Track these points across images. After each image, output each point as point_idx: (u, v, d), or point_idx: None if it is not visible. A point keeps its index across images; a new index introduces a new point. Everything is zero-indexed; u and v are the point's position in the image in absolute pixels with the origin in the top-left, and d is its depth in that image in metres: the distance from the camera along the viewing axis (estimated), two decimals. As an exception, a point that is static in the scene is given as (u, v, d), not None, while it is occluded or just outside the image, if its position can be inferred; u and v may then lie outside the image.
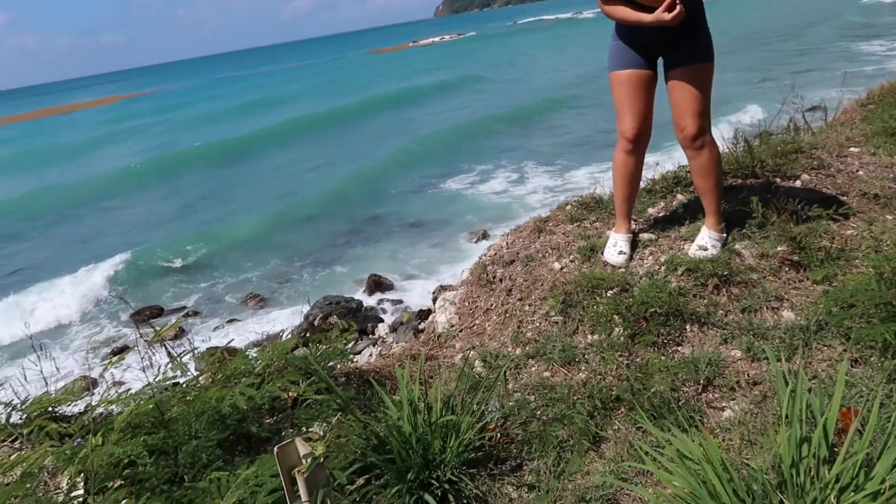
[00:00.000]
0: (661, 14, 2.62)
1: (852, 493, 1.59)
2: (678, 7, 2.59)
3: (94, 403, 2.35)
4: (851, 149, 4.32)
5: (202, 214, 15.61)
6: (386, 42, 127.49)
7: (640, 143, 3.06)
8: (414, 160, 17.29)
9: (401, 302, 9.27)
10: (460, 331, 3.23)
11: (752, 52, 26.29)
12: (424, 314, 8.07)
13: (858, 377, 2.37)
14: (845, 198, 3.47)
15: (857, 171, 3.82)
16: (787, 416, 1.78)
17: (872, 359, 2.47)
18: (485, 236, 10.83)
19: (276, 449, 1.46)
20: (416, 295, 9.46)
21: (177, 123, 36.32)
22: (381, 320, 8.74)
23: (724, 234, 3.11)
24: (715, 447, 1.75)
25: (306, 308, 8.91)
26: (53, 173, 24.70)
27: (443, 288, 8.72)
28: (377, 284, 9.87)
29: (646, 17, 2.69)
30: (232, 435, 2.07)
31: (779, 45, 27.64)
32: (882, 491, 1.55)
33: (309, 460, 1.43)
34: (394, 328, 8.29)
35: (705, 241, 3.06)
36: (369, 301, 9.41)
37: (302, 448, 1.45)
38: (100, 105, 67.96)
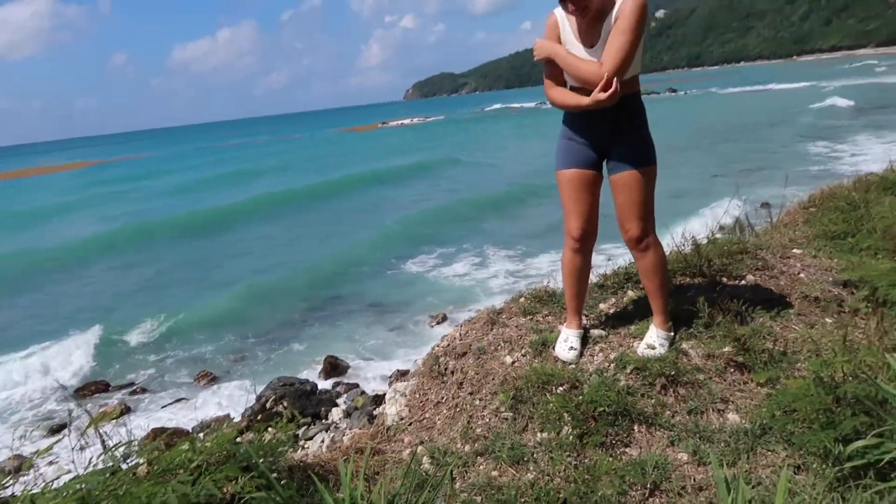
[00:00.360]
0: (597, 94, 2.70)
1: None
2: (614, 86, 2.71)
3: (16, 494, 2.23)
4: (794, 250, 4.50)
5: (165, 287, 15.32)
6: (357, 121, 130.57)
7: (586, 242, 3.12)
8: (381, 241, 17.40)
9: (356, 386, 9.10)
10: (409, 424, 3.17)
11: (707, 150, 27.56)
12: (379, 399, 7.93)
13: (801, 485, 2.38)
14: (788, 300, 3.59)
15: (799, 273, 3.97)
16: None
17: (814, 465, 2.50)
18: (444, 319, 10.81)
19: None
20: (371, 379, 9.33)
21: (147, 192, 36.14)
22: (336, 404, 8.53)
23: (672, 333, 3.17)
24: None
25: (260, 388, 8.68)
26: (13, 240, 24.16)
27: (401, 373, 8.64)
28: (333, 367, 9.71)
29: (584, 100, 2.78)
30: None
31: (733, 144, 29.03)
32: None
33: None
34: (348, 413, 8.09)
35: (653, 339, 3.10)
36: (325, 384, 9.22)
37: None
38: (68, 170, 67.54)
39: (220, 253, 18.92)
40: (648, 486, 2.47)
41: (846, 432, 2.42)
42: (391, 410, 3.27)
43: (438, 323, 10.72)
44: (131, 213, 27.39)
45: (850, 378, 2.63)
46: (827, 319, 3.46)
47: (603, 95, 2.68)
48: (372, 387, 9.04)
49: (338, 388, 9.13)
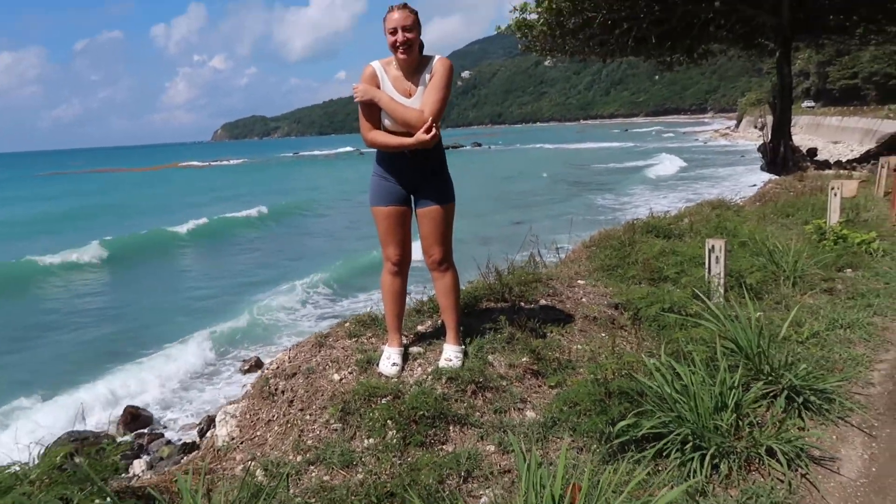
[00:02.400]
0: (421, 135, 3.19)
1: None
2: (434, 130, 3.20)
3: None
4: (579, 281, 5.28)
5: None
6: (156, 161, 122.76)
7: (403, 266, 3.57)
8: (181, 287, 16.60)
9: (161, 436, 8.60)
10: (241, 443, 3.29)
11: (506, 200, 30.02)
12: (188, 447, 7.63)
13: (582, 461, 2.91)
14: (572, 319, 4.25)
15: (582, 298, 4.70)
16: (525, 489, 2.19)
17: (593, 446, 3.05)
18: (257, 365, 10.47)
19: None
20: (178, 429, 8.89)
21: None
22: (138, 456, 8.00)
23: (463, 347, 3.63)
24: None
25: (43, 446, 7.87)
26: None
27: (210, 419, 8.31)
28: (134, 417, 9.07)
29: (408, 140, 3.25)
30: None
31: (530, 196, 31.89)
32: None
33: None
34: (151, 465, 7.61)
35: (450, 354, 3.55)
36: (125, 437, 8.58)
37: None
38: None
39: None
40: (462, 473, 2.86)
41: (614, 416, 3.01)
42: (221, 432, 3.36)
43: (250, 369, 10.41)
44: None
45: (618, 376, 3.26)
46: (602, 334, 4.16)
47: (426, 136, 3.15)
48: (179, 436, 8.62)
49: (140, 441, 8.56)
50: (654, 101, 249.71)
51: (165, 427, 9.05)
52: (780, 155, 16.10)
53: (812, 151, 18.42)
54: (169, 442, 8.44)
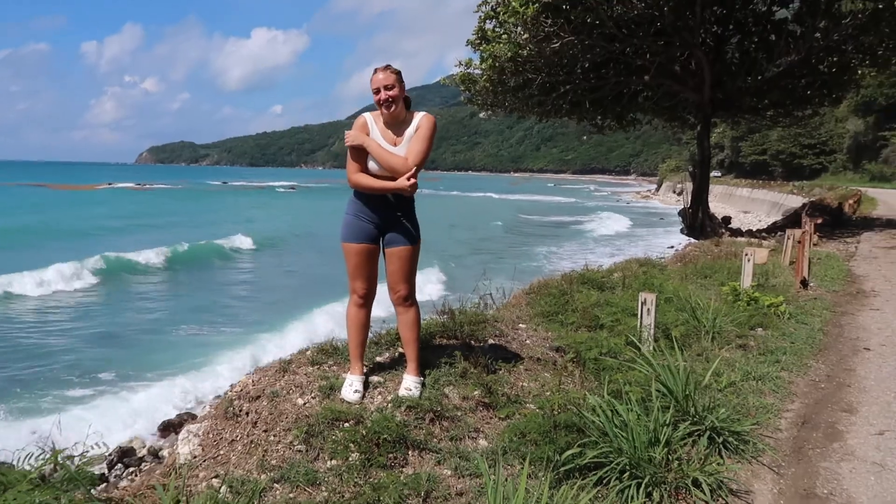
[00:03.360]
0: (402, 181, 3.53)
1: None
2: (413, 180, 3.55)
3: None
4: (521, 325, 5.62)
5: None
6: (78, 179, 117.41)
7: (368, 299, 3.84)
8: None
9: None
10: (203, 461, 3.39)
11: (467, 245, 30.75)
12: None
13: (532, 486, 3.17)
14: (519, 358, 4.56)
15: (526, 340, 5.04)
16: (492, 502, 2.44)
17: (540, 473, 3.33)
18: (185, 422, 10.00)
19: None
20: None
21: None
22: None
23: (422, 378, 3.89)
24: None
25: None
26: None
27: (190, 416, 8.12)
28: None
29: (390, 184, 3.57)
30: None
31: (489, 243, 32.78)
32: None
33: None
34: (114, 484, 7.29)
35: (409, 384, 3.80)
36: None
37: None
38: None
39: None
40: (422, 494, 3.07)
41: (561, 445, 3.31)
42: (184, 450, 3.45)
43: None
44: None
45: (563, 410, 3.58)
46: (546, 374, 4.48)
47: (407, 184, 3.47)
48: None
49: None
50: (582, 159, 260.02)
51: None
52: (699, 220, 17.27)
53: (727, 219, 19.83)
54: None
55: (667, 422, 3.49)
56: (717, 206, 45.77)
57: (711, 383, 4.66)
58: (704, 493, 3.23)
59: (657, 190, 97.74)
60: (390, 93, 3.56)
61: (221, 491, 3.11)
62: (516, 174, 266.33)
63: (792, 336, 6.53)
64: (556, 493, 2.90)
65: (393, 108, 3.56)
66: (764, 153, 75.26)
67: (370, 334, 4.37)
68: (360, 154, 3.61)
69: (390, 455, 3.31)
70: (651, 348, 4.98)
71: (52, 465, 2.41)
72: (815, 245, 13.43)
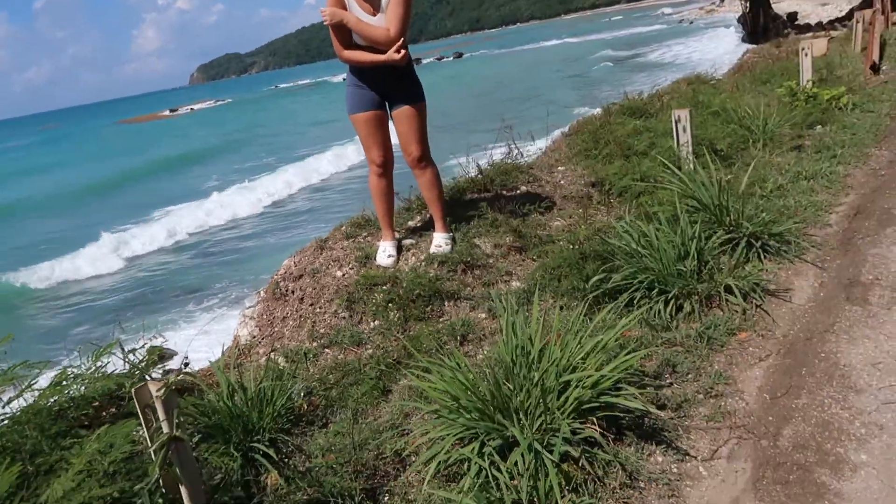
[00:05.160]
0: (391, 54, 3.47)
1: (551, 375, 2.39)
2: (403, 51, 3.48)
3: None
4: (559, 167, 5.56)
5: None
6: (138, 111, 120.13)
7: (386, 167, 3.86)
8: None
9: (188, 364, 9.11)
10: (262, 339, 3.69)
11: (493, 106, 29.87)
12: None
13: (563, 316, 3.29)
14: (552, 200, 4.56)
15: (560, 181, 5.00)
16: (505, 332, 2.57)
17: (573, 304, 3.43)
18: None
19: (133, 390, 1.86)
20: (204, 361, 9.39)
21: None
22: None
23: (452, 233, 3.97)
24: (462, 357, 2.47)
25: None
26: None
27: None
28: (160, 357, 9.57)
29: (380, 57, 3.51)
30: (72, 427, 2.36)
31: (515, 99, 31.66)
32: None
33: (162, 389, 1.85)
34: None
35: (439, 241, 3.90)
36: (154, 375, 9.10)
37: (153, 387, 1.87)
38: None
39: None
40: (458, 337, 3.25)
41: (588, 274, 3.37)
42: (243, 332, 3.76)
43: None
44: None
45: (590, 240, 3.61)
46: (580, 210, 4.48)
47: (397, 56, 3.40)
48: (200, 367, 9.12)
49: (168, 377, 9.08)
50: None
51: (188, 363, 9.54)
52: (760, 24, 15.95)
53: (792, 16, 18.19)
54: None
55: (695, 234, 3.45)
56: (791, 3, 41.84)
57: (755, 191, 4.52)
58: (737, 297, 3.25)
59: (721, 2, 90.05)
60: None
61: (279, 362, 3.41)
62: (567, 16, 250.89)
63: (854, 128, 6.14)
64: (575, 314, 3.00)
65: None
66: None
67: (400, 201, 4.46)
68: (342, 30, 3.52)
69: (427, 308, 3.49)
70: (691, 167, 4.84)
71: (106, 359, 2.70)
72: (894, 24, 12.22)
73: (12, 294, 13.33)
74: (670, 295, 3.22)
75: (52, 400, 2.51)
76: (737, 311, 3.20)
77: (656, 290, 3.28)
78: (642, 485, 2.02)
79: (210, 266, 13.43)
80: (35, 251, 16.82)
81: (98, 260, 14.37)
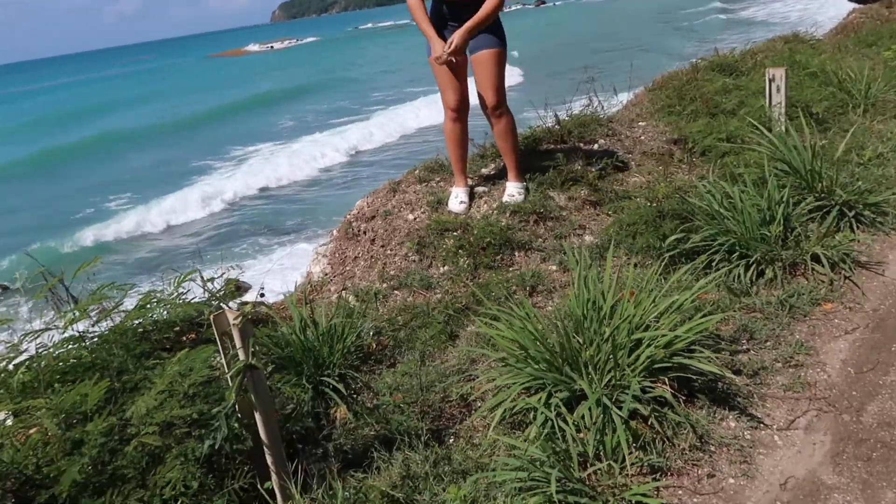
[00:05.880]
0: (437, 51, 3.55)
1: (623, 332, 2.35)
2: (447, 56, 3.52)
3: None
4: (640, 123, 5.36)
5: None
6: (224, 46, 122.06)
7: (462, 112, 3.79)
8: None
9: (262, 304, 9.41)
10: (333, 277, 3.77)
11: (574, 57, 28.93)
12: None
13: (637, 274, 3.21)
14: (631, 155, 4.42)
15: (641, 136, 4.83)
16: (577, 286, 2.53)
17: (648, 262, 3.34)
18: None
19: (211, 317, 1.93)
20: (278, 293, 9.69)
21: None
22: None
23: (525, 183, 3.90)
24: (531, 308, 2.45)
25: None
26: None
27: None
28: (236, 289, 9.92)
29: (433, 41, 3.58)
30: (154, 349, 2.48)
31: (612, 46, 30.58)
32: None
33: (239, 318, 1.91)
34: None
35: (512, 190, 3.83)
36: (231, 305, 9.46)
37: (230, 315, 1.94)
38: None
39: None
40: (528, 288, 3.23)
41: (666, 232, 3.27)
42: (316, 269, 3.84)
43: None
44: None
45: (670, 198, 3.48)
46: (660, 167, 4.32)
47: (442, 57, 3.52)
48: (274, 301, 9.43)
49: (244, 306, 9.42)
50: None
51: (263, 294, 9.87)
52: (870, -20, 14.73)
53: (907, -27, 16.70)
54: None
55: (783, 199, 3.29)
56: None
57: (851, 157, 4.25)
58: (825, 267, 3.09)
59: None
60: None
61: (350, 300, 3.47)
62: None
63: (968, 94, 5.66)
64: (651, 272, 2.92)
65: None
66: None
67: (475, 147, 4.41)
68: None
69: (497, 257, 3.47)
70: (782, 129, 4.59)
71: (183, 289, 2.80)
72: None
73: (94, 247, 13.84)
74: (752, 260, 3.09)
75: (136, 322, 2.64)
76: (823, 281, 3.05)
77: (737, 253, 3.15)
78: (713, 448, 1.98)
79: (291, 209, 13.68)
80: (130, 186, 17.47)
81: (185, 203, 14.67)
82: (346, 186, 14.86)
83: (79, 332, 2.55)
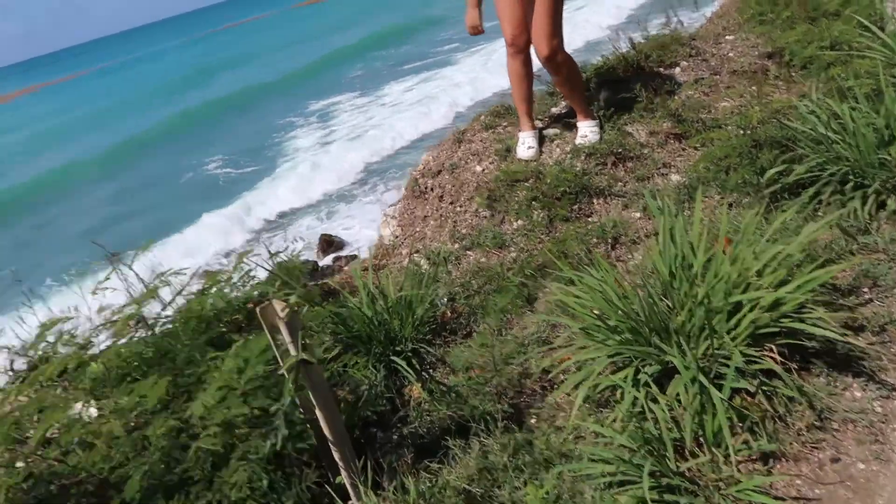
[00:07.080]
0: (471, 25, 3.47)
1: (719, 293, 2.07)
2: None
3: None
4: (727, 37, 4.82)
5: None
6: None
7: (521, 47, 3.45)
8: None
9: (355, 257, 9.45)
10: (404, 239, 3.62)
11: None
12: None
13: (733, 217, 2.87)
14: (718, 76, 3.97)
15: (729, 53, 4.33)
16: (663, 238, 2.25)
17: (744, 200, 2.99)
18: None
19: (258, 309, 1.82)
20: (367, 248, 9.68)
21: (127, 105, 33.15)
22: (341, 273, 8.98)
23: (598, 121, 3.56)
24: (612, 270, 2.21)
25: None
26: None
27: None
28: (329, 243, 9.98)
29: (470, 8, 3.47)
30: (218, 338, 2.42)
31: None
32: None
33: (287, 311, 1.79)
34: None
35: (584, 131, 3.52)
36: (325, 261, 9.56)
37: (278, 306, 1.82)
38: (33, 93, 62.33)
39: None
40: (609, 240, 2.97)
41: (763, 165, 2.90)
42: (385, 232, 3.71)
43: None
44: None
45: (766, 124, 3.08)
46: (753, 87, 3.86)
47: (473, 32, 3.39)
48: (365, 254, 9.44)
49: (338, 262, 9.51)
50: None
51: (357, 249, 9.91)
52: None
53: None
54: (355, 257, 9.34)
55: (905, 113, 2.83)
56: None
57: None
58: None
59: None
60: None
61: (422, 264, 3.33)
62: None
63: None
64: (749, 213, 2.59)
65: None
66: None
67: (541, 84, 4.07)
68: None
69: (573, 207, 3.22)
70: (897, 27, 3.98)
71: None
72: None
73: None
74: (870, 190, 2.68)
75: (209, 303, 2.57)
76: (958, 211, 2.62)
77: (851, 184, 2.75)
78: (836, 426, 1.72)
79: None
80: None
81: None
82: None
83: (150, 319, 2.52)
